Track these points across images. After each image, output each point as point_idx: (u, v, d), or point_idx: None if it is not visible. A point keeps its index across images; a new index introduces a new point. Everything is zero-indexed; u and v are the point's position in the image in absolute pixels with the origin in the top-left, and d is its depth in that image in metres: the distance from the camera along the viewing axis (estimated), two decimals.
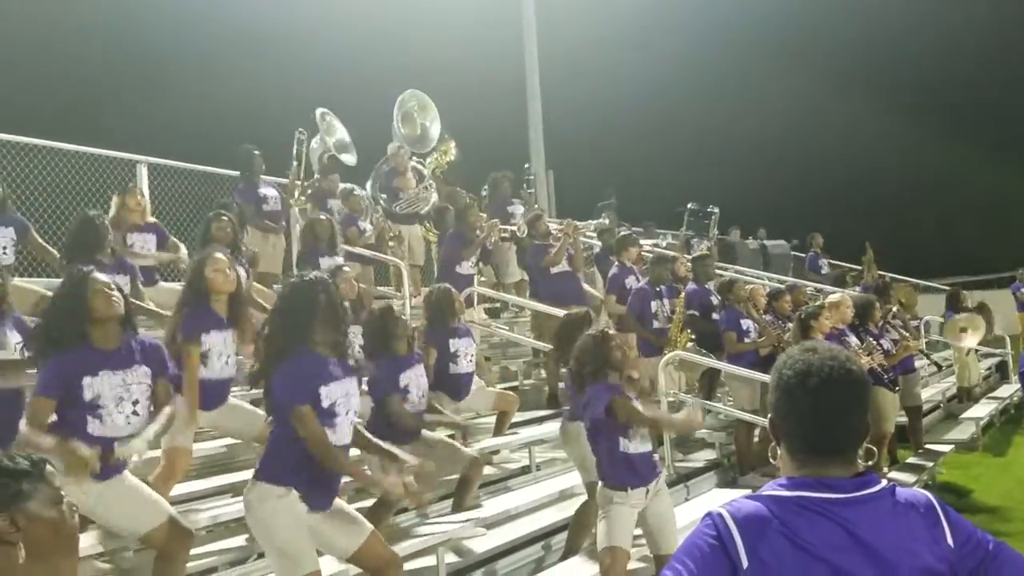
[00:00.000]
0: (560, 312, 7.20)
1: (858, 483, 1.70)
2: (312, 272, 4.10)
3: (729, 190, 25.99)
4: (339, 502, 3.96)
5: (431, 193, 10.04)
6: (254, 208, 8.46)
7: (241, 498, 3.86)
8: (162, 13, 23.54)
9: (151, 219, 7.50)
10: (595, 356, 4.64)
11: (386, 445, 4.17)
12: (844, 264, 15.60)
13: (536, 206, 12.34)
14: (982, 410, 11.22)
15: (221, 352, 4.86)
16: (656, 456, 4.83)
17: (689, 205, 14.12)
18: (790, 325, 7.81)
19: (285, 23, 23.59)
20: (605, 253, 10.46)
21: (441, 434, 5.83)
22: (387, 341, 5.41)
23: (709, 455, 8.02)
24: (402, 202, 9.79)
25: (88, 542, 3.92)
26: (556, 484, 6.33)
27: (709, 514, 1.70)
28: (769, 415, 1.83)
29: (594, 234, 11.67)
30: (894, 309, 8.92)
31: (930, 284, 18.29)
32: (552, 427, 6.74)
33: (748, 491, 1.81)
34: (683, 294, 8.60)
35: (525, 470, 6.95)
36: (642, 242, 10.81)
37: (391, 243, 9.11)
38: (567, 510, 5.79)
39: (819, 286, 12.35)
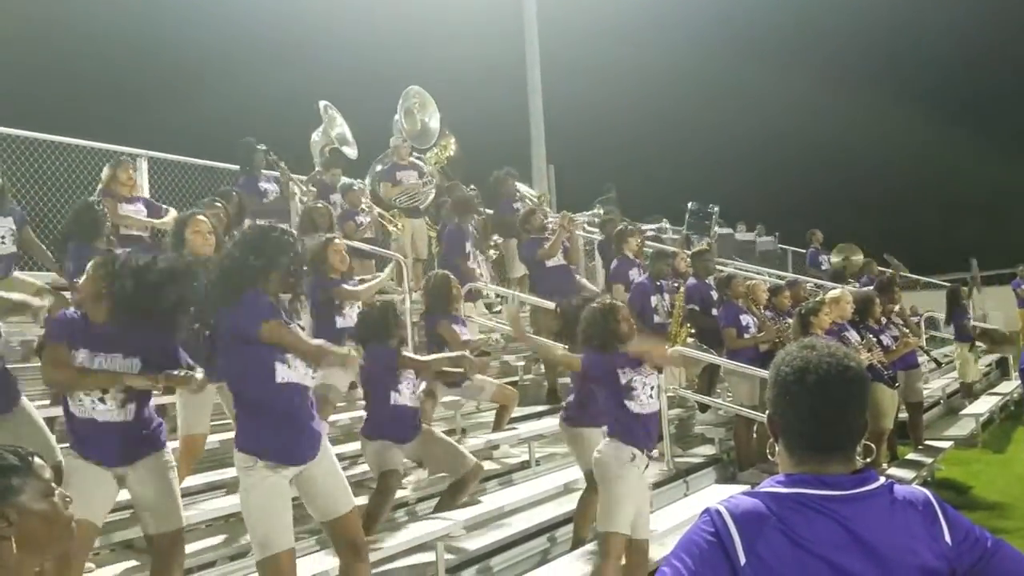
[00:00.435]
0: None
1: (856, 480, 1.70)
2: (284, 226, 4.08)
3: (730, 186, 26.03)
4: (337, 467, 3.92)
5: (431, 188, 10.04)
6: (256, 200, 8.49)
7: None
8: (164, 8, 23.54)
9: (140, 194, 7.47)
10: (603, 329, 4.72)
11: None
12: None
13: (541, 194, 12.33)
14: (982, 406, 11.23)
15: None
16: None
17: (689, 205, 14.12)
18: (790, 321, 7.81)
19: (285, 16, 23.56)
20: (607, 243, 10.44)
21: (445, 436, 5.81)
22: (383, 336, 5.42)
23: (708, 451, 8.02)
24: (402, 196, 9.79)
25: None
26: (556, 479, 6.33)
27: (707, 510, 1.69)
28: (767, 411, 1.82)
29: (590, 226, 11.69)
30: (895, 308, 8.90)
31: (931, 280, 18.27)
32: (552, 422, 6.74)
33: (747, 487, 1.81)
34: (683, 289, 8.59)
35: (525, 465, 6.95)
36: (644, 227, 10.80)
37: (392, 228, 9.12)
38: (567, 505, 5.80)
39: (819, 282, 12.35)
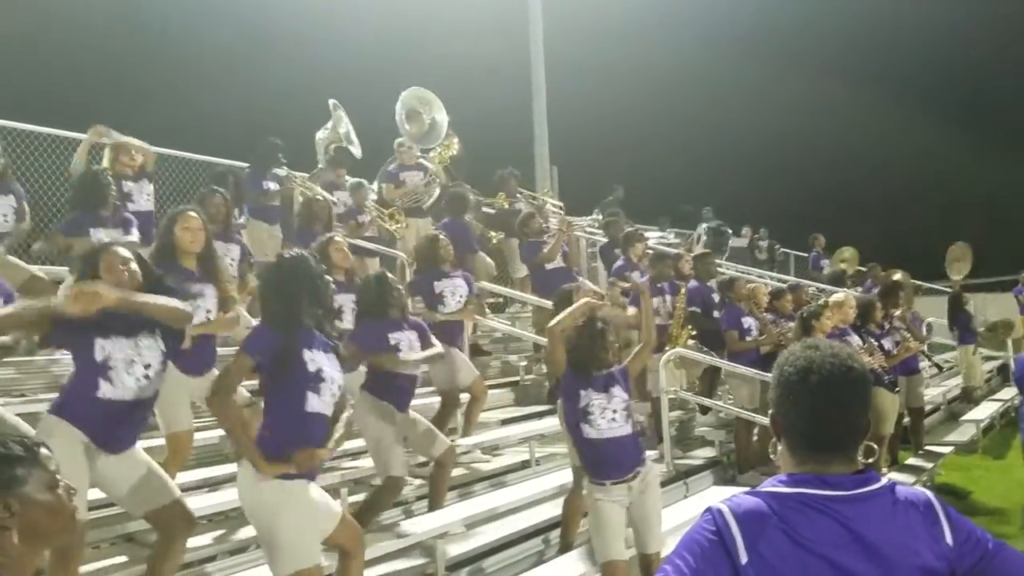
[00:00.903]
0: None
1: (858, 480, 1.71)
2: (295, 249, 4.12)
3: (733, 187, 26.01)
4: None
5: (435, 187, 10.05)
6: (256, 196, 8.53)
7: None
8: (167, 5, 23.54)
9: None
10: (588, 351, 4.65)
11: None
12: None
13: (546, 192, 12.34)
14: (983, 412, 11.22)
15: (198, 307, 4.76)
16: (641, 442, 4.84)
17: (703, 225, 14.15)
18: (790, 324, 7.81)
19: (289, 13, 23.51)
20: (610, 246, 10.46)
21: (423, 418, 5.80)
22: (379, 307, 5.42)
23: (708, 453, 8.03)
24: (404, 197, 9.81)
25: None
26: (555, 479, 6.33)
27: (709, 509, 1.70)
28: (770, 411, 1.83)
29: (590, 230, 11.71)
30: (897, 312, 8.90)
31: (932, 286, 18.25)
32: (552, 422, 6.74)
33: (747, 489, 1.81)
34: (684, 291, 8.59)
35: (525, 465, 6.96)
36: (647, 234, 10.83)
37: (393, 225, 9.15)
38: None
39: (821, 285, 12.34)
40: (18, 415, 4.49)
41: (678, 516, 5.84)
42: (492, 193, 10.77)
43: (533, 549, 5.67)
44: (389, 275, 5.92)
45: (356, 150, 10.42)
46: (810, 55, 29.61)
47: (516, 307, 11.11)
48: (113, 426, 3.71)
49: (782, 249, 17.53)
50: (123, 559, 4.38)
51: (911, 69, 29.74)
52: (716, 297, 8.70)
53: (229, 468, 5.29)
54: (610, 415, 4.56)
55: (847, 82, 30.02)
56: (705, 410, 8.58)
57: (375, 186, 10.01)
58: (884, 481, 1.74)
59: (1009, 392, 12.68)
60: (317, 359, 3.71)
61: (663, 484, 6.79)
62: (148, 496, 3.80)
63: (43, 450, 1.80)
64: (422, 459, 5.78)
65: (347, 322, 5.71)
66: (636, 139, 28.36)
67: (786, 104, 29.15)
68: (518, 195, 10.93)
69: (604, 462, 4.57)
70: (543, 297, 8.60)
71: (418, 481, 5.90)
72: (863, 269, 14.34)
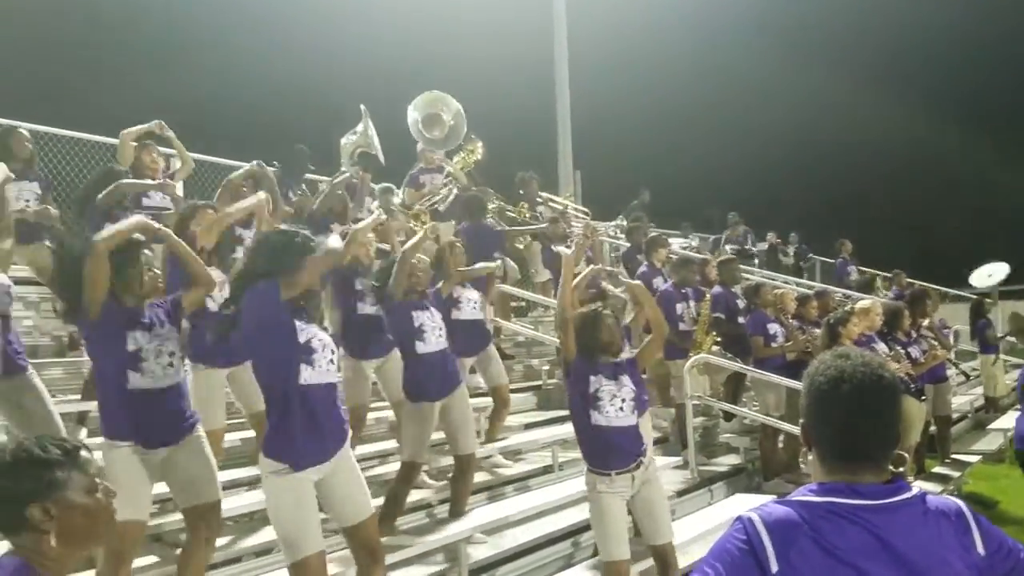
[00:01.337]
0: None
1: (889, 490, 1.70)
2: (300, 229, 4.10)
3: (758, 191, 25.85)
4: (358, 473, 3.96)
5: (452, 189, 10.07)
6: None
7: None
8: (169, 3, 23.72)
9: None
10: (590, 336, 4.68)
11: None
12: (870, 270, 15.43)
13: (569, 196, 12.33)
14: (1009, 421, 11.06)
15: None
16: (643, 433, 4.82)
17: (728, 247, 14.13)
18: (816, 331, 7.76)
19: (307, 11, 23.52)
20: (633, 251, 10.43)
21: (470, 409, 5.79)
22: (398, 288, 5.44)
23: (733, 460, 7.98)
24: (424, 200, 9.84)
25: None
26: (579, 484, 6.29)
27: (739, 518, 1.70)
28: (801, 420, 1.83)
29: (613, 234, 11.66)
30: (925, 322, 8.81)
31: (959, 293, 18.04)
32: None
33: (772, 496, 1.81)
34: (708, 296, 8.55)
35: (548, 469, 6.94)
36: (672, 241, 10.80)
37: (420, 226, 9.16)
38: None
39: (847, 292, 12.25)
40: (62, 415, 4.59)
41: (702, 523, 5.82)
42: (513, 196, 10.77)
43: (558, 554, 5.66)
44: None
45: (380, 156, 10.44)
46: (847, 59, 29.32)
47: (539, 311, 11.10)
48: (150, 416, 3.82)
49: (811, 255, 17.40)
50: (153, 559, 4.42)
51: (947, 75, 29.39)
52: (740, 303, 8.65)
53: (254, 470, 5.33)
54: (619, 403, 4.61)
55: (880, 87, 29.72)
56: (729, 417, 8.53)
57: (402, 191, 10.06)
58: (915, 490, 1.73)
59: None
60: (308, 329, 3.75)
61: (686, 491, 6.79)
62: (200, 489, 3.93)
63: (83, 453, 1.82)
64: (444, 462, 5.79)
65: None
66: (661, 142, 28.21)
67: (815, 108, 28.90)
68: (538, 199, 10.91)
69: (609, 451, 4.60)
70: None
71: (441, 483, 5.92)
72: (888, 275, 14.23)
